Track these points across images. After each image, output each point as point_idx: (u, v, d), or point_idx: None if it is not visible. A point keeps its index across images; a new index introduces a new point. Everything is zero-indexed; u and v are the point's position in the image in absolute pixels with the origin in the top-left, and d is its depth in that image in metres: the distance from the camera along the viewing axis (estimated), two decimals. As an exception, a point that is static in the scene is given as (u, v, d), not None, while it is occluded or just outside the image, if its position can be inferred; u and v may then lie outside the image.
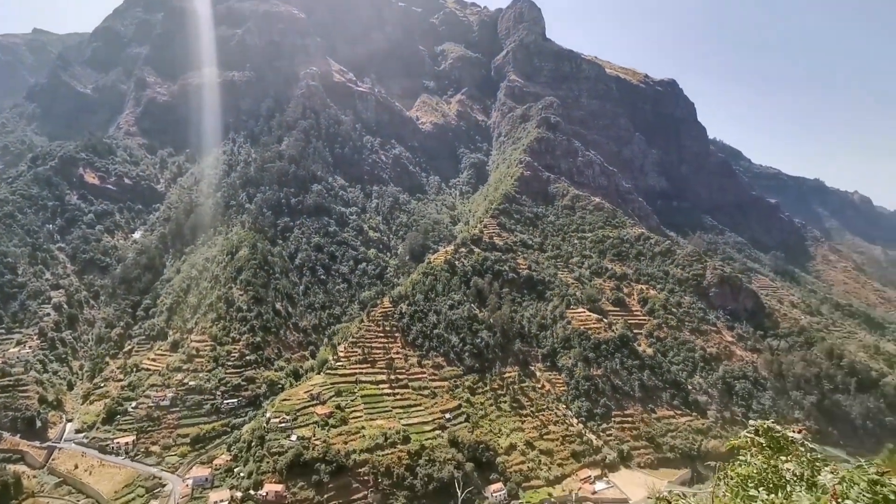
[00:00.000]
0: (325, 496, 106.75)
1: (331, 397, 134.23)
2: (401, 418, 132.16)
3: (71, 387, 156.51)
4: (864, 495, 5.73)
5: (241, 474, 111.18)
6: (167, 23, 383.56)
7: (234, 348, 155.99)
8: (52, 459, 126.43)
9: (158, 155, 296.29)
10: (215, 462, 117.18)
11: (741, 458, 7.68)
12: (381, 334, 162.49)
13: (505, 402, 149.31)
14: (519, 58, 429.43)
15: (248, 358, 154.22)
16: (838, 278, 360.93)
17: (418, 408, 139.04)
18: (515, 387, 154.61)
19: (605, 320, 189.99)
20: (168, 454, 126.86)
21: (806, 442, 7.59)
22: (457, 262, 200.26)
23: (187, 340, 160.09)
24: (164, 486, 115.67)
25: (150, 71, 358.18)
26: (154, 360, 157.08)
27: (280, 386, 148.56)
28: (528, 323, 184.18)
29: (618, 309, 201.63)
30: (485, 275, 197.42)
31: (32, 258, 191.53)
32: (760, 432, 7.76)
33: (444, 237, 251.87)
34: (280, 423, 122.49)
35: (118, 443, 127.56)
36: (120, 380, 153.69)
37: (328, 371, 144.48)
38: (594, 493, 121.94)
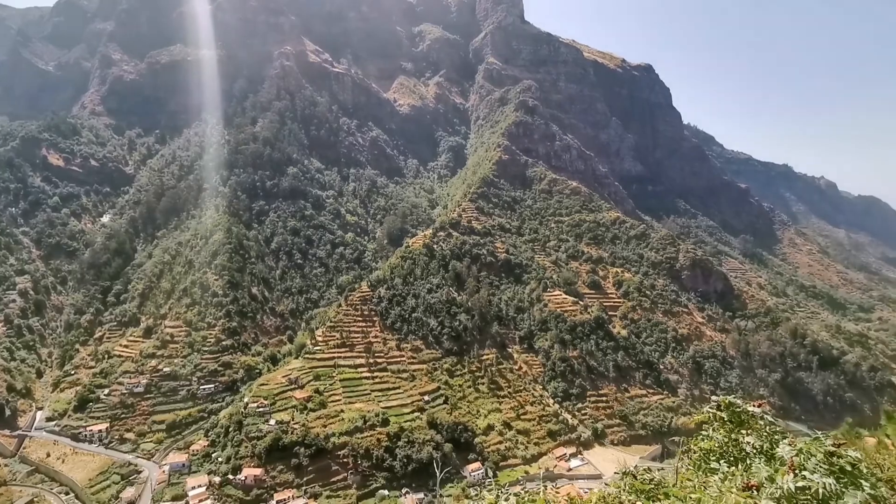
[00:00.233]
0: (305, 479, 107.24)
1: (309, 381, 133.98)
2: (380, 401, 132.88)
3: (40, 374, 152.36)
4: (820, 466, 5.97)
5: (220, 459, 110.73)
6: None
7: (210, 334, 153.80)
8: (23, 448, 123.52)
9: (126, 136, 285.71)
10: (192, 448, 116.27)
11: (704, 432, 8.01)
12: (360, 318, 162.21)
13: (483, 383, 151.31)
14: (497, 40, 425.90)
15: (224, 343, 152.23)
16: (803, 261, 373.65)
17: (397, 391, 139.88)
18: (493, 369, 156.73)
19: (581, 303, 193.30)
20: (143, 441, 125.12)
21: (766, 416, 7.89)
22: (435, 246, 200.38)
23: (161, 326, 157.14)
24: (139, 472, 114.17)
25: (116, 48, 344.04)
26: (126, 346, 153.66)
27: (258, 371, 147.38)
28: (506, 306, 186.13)
29: (593, 292, 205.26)
30: (463, 258, 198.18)
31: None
32: (722, 408, 8.12)
33: (422, 221, 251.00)
34: (258, 407, 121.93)
35: (91, 430, 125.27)
36: (91, 367, 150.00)
37: (306, 355, 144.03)
38: (569, 469, 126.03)
